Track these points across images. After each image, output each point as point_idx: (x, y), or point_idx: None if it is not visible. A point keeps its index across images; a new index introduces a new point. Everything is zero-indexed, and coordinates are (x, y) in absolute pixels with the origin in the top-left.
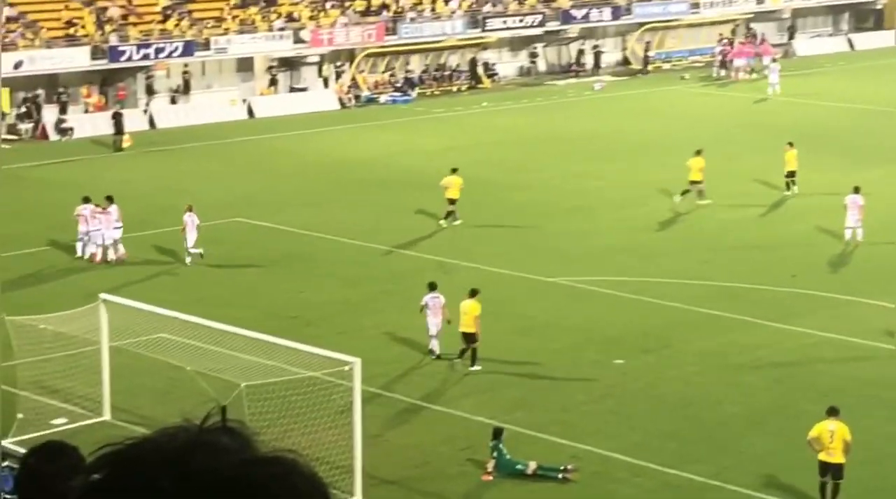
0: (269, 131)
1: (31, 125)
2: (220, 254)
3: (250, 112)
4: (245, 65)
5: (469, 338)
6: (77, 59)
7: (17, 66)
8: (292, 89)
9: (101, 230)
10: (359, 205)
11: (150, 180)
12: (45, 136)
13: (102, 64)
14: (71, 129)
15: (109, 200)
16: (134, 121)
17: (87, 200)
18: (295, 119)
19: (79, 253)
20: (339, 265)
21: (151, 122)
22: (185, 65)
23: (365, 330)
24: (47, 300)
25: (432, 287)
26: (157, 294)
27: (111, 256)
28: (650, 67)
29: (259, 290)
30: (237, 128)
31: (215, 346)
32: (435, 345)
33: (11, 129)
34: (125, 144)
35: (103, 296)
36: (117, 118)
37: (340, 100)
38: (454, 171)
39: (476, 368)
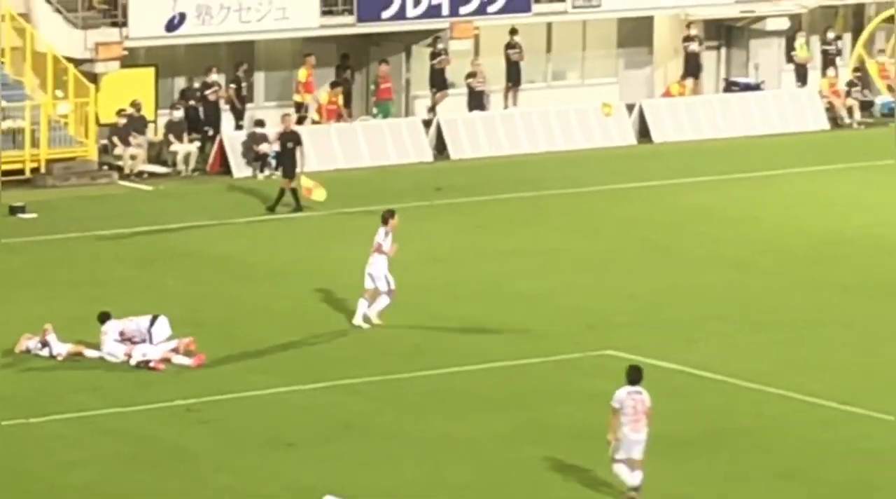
0: (681, 172)
1: (193, 146)
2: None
3: (642, 130)
4: (632, 33)
5: None
6: (294, 14)
7: (173, 25)
8: (731, 85)
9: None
10: (856, 325)
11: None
12: (222, 166)
13: (344, 23)
14: (273, 156)
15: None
16: (404, 141)
17: None
18: (733, 147)
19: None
20: (813, 454)
21: (439, 145)
22: (513, 30)
23: None
24: None
25: None
26: None
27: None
28: None
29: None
30: (614, 160)
31: None
32: None
33: (156, 152)
34: (312, 194)
35: None
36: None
37: (832, 111)
38: None
39: None
